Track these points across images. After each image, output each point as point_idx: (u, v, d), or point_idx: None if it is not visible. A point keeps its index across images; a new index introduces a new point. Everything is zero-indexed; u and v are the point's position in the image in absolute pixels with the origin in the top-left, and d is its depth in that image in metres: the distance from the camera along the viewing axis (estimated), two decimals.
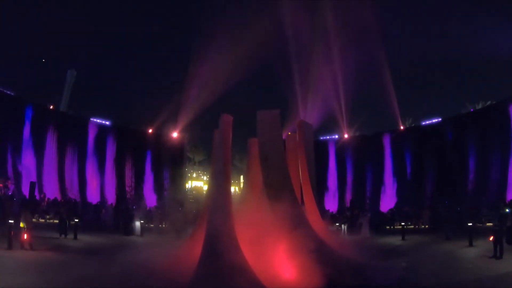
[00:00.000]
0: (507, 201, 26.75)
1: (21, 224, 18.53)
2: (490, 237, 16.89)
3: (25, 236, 18.26)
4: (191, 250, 14.74)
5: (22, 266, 14.34)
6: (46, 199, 32.05)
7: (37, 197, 30.50)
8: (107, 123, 41.16)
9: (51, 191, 34.43)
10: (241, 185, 48.05)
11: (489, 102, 40.42)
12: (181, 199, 43.29)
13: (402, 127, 42.08)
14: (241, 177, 60.11)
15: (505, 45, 37.11)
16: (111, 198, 37.78)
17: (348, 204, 38.38)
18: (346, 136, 43.55)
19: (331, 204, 40.99)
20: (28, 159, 33.41)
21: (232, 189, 47.18)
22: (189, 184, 70.63)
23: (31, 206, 24.11)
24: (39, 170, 34.24)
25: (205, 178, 76.58)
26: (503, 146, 32.48)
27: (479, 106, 40.11)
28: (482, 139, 34.36)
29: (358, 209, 35.02)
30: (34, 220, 22.56)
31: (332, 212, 35.83)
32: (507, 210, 21.56)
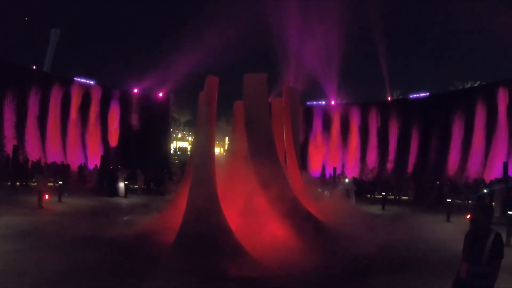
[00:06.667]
0: (487, 182, 27.29)
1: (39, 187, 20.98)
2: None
3: (46, 196, 20.91)
4: (175, 211, 14.78)
5: (4, 232, 14.11)
6: (29, 162, 31.81)
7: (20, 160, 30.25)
8: (92, 82, 40.56)
9: (35, 154, 34.23)
10: (226, 147, 48.12)
11: (478, 83, 40.75)
12: (165, 160, 43.45)
13: (389, 98, 42.23)
14: (226, 138, 60.14)
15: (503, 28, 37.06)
16: (95, 159, 37.57)
17: (331, 170, 38.68)
18: (333, 103, 43.62)
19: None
20: (10, 122, 33.09)
21: (217, 150, 47.31)
22: (174, 145, 70.62)
23: (45, 171, 25.40)
24: (21, 133, 33.98)
25: (190, 139, 76.59)
26: (487, 127, 32.97)
27: (468, 85, 40.41)
28: (467, 118, 34.76)
29: (342, 177, 35.36)
30: (17, 184, 23.62)
31: (315, 177, 36.08)
32: (485, 191, 22.09)
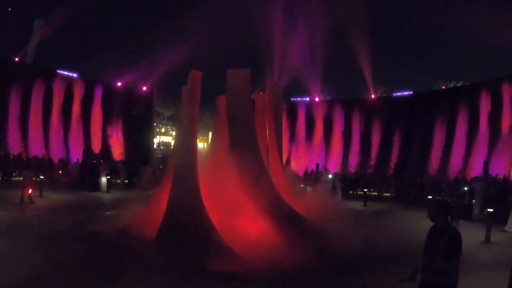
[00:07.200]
0: (468, 180, 27.70)
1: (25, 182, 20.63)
2: None
3: (30, 191, 20.34)
4: (157, 206, 14.69)
5: None
6: (11, 156, 31.41)
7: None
8: (75, 75, 40.07)
9: (16, 147, 33.82)
10: (209, 141, 48.18)
11: (460, 83, 41.35)
12: (148, 154, 43.16)
13: (373, 96, 42.49)
14: (210, 133, 60.07)
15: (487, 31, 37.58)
16: (77, 153, 37.15)
17: (314, 166, 38.78)
18: (317, 99, 43.73)
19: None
20: None
21: (200, 145, 47.09)
22: (157, 139, 70.23)
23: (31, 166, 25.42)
24: (3, 126, 33.49)
25: (173, 133, 76.29)
26: (469, 126, 33.45)
27: (451, 85, 40.99)
28: (450, 117, 35.26)
29: (325, 172, 35.48)
30: None
31: (297, 173, 36.13)
32: (466, 189, 22.42)
